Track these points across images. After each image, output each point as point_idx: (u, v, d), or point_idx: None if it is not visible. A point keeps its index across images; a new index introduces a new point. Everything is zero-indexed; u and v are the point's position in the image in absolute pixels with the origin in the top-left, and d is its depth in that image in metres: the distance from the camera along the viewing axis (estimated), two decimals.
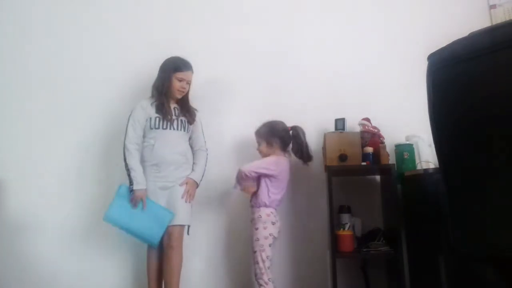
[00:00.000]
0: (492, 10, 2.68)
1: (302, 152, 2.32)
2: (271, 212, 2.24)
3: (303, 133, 2.36)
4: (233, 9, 2.89)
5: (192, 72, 2.41)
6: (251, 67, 2.79)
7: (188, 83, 2.40)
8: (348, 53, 2.75)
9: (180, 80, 2.35)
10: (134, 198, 2.19)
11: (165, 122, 2.33)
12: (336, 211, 2.34)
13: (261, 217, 2.21)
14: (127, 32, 2.89)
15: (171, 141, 2.34)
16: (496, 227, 0.94)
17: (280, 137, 2.33)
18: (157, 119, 2.32)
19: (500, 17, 2.64)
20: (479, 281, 1.03)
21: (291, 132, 2.37)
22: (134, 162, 2.23)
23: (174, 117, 2.36)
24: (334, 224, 2.26)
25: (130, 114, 2.31)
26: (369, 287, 2.44)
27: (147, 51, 2.78)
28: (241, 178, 2.27)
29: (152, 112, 2.32)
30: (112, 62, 2.85)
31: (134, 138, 2.27)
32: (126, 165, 2.23)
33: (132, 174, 2.21)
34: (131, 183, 2.20)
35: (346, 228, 2.29)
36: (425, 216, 2.08)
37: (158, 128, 2.32)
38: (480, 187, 0.97)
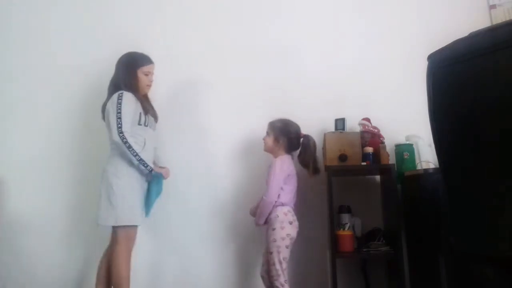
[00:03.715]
0: (492, 10, 2.68)
1: (307, 163, 2.28)
2: (288, 211, 2.18)
3: (314, 145, 2.31)
4: (233, 8, 2.88)
5: (154, 64, 2.35)
6: (251, 67, 2.78)
7: (152, 75, 2.35)
8: (348, 53, 2.75)
9: (147, 74, 2.30)
10: (163, 172, 2.29)
11: (148, 120, 2.27)
12: (336, 211, 2.34)
13: (278, 216, 2.15)
14: (127, 30, 2.89)
15: (153, 141, 2.33)
16: (496, 227, 0.94)
17: (289, 138, 2.30)
18: (145, 116, 2.25)
19: (500, 17, 2.64)
20: (479, 281, 1.03)
21: (302, 139, 2.34)
22: (137, 147, 2.13)
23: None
24: (334, 224, 2.26)
25: (119, 103, 2.13)
26: (369, 287, 2.44)
27: (148, 49, 2.78)
28: (268, 208, 2.19)
29: (139, 107, 2.23)
30: (112, 59, 2.85)
31: (127, 127, 2.12)
32: (133, 150, 2.09)
33: (143, 156, 2.13)
34: (146, 165, 2.14)
35: (346, 228, 2.29)
36: (425, 216, 2.08)
37: (147, 126, 2.26)
38: (480, 187, 0.97)
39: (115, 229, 2.13)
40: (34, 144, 2.80)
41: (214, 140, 2.74)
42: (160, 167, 2.35)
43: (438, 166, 1.13)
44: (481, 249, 0.99)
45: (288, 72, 2.76)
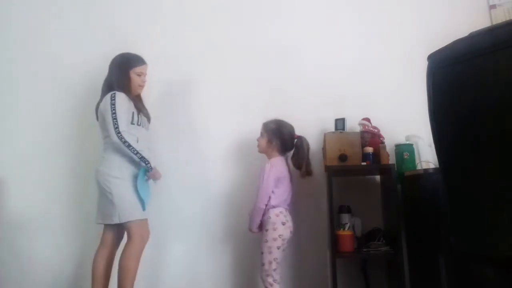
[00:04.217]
0: (492, 10, 2.68)
1: (300, 165, 2.30)
2: (281, 212, 2.19)
3: (307, 147, 2.32)
4: (233, 8, 2.88)
5: (147, 65, 2.36)
6: (251, 67, 2.79)
7: (145, 76, 2.37)
8: (348, 53, 2.75)
9: (139, 75, 2.32)
10: (155, 174, 2.26)
11: (141, 120, 2.29)
12: (336, 211, 2.34)
13: (270, 218, 2.17)
14: (127, 30, 2.89)
15: (146, 140, 2.33)
16: (496, 227, 0.94)
17: (282, 140, 2.31)
18: (138, 115, 2.27)
19: (500, 17, 2.64)
20: (479, 281, 1.03)
21: (295, 140, 2.35)
22: (136, 145, 2.16)
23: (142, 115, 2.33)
24: (334, 224, 2.26)
25: (113, 104, 2.15)
26: (369, 287, 2.44)
27: (147, 49, 2.77)
28: (259, 214, 2.22)
29: (132, 106, 2.25)
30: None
31: (124, 126, 2.14)
32: (133, 148, 2.13)
33: (144, 154, 2.17)
34: (146, 162, 2.17)
35: (346, 228, 2.29)
36: (425, 216, 2.08)
37: (140, 125, 2.28)
38: (480, 187, 0.97)
39: (126, 225, 2.17)
40: (34, 143, 2.81)
41: (214, 140, 2.74)
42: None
43: (438, 166, 1.13)
44: (481, 249, 0.99)
45: (288, 72, 2.75)
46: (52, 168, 2.77)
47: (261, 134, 2.36)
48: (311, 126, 2.58)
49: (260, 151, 2.38)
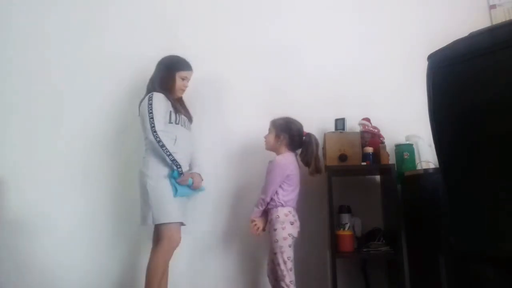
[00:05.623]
0: (492, 10, 2.68)
1: (309, 161, 2.25)
2: (289, 211, 2.18)
3: (317, 144, 2.29)
4: (233, 8, 2.89)
5: (193, 71, 2.43)
6: (251, 67, 2.79)
7: (188, 81, 2.43)
8: (348, 53, 2.75)
9: (183, 79, 2.39)
10: (185, 178, 2.19)
11: (180, 119, 2.32)
12: (336, 211, 2.34)
13: (279, 217, 2.16)
14: (128, 30, 2.89)
15: (187, 140, 2.35)
16: (496, 227, 0.94)
17: (290, 136, 2.27)
18: (176, 114, 2.30)
19: (500, 17, 2.64)
20: (479, 281, 1.03)
21: (304, 137, 2.31)
22: (171, 146, 2.17)
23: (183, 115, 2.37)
24: (334, 224, 2.26)
25: (150, 104, 2.20)
26: (369, 287, 2.44)
27: (148, 49, 2.78)
28: (262, 205, 2.22)
29: (170, 106, 2.29)
30: (112, 59, 2.86)
31: (160, 126, 2.19)
32: (167, 150, 2.14)
33: (177, 157, 2.16)
34: (178, 166, 2.16)
35: (346, 228, 2.29)
36: (425, 216, 2.08)
37: (178, 124, 2.30)
38: (480, 187, 0.97)
39: (158, 227, 2.18)
40: (34, 143, 2.81)
41: (214, 140, 2.74)
42: (192, 172, 2.34)
43: (438, 166, 1.13)
44: (481, 249, 0.99)
45: (288, 72, 2.76)
46: (53, 168, 2.77)
47: (269, 131, 2.33)
48: (311, 126, 2.57)
49: (268, 148, 2.34)
